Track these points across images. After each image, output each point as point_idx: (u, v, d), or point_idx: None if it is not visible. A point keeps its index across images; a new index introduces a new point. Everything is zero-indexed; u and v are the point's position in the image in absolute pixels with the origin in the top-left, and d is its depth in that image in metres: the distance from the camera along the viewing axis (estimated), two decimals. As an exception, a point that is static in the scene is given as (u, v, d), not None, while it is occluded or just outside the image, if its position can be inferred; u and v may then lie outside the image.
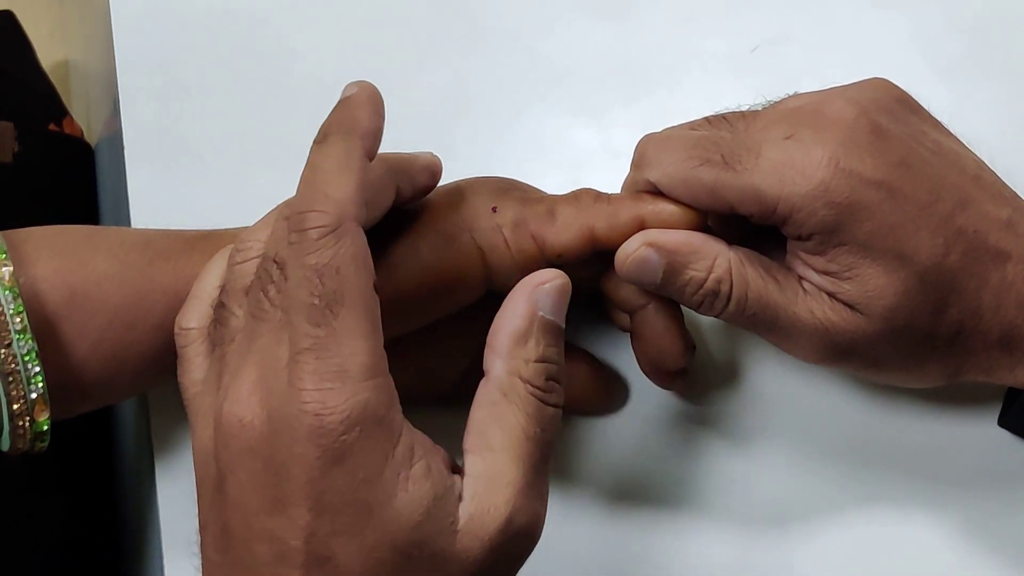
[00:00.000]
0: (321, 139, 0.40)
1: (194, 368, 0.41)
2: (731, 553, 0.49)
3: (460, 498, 0.38)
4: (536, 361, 0.40)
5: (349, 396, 0.36)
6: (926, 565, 0.49)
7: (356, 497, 0.36)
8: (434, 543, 0.37)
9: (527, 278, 0.41)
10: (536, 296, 0.40)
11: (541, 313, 0.40)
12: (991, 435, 0.50)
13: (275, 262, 0.38)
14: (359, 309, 0.37)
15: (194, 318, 0.42)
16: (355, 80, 0.42)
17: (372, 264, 0.38)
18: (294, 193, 0.40)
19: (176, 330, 0.43)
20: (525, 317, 0.40)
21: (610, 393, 0.51)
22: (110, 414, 0.65)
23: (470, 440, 0.39)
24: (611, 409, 0.51)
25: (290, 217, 0.38)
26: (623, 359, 0.51)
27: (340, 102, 0.41)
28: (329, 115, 0.41)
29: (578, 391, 0.49)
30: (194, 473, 0.40)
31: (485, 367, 0.40)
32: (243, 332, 0.39)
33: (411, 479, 0.37)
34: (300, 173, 0.44)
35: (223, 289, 0.41)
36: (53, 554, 0.57)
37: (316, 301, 0.37)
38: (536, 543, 0.39)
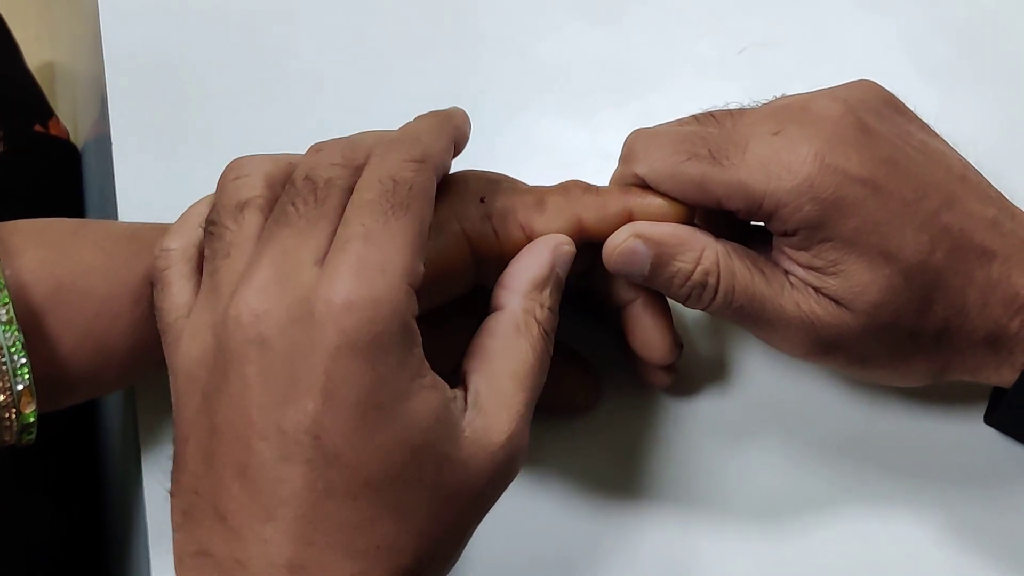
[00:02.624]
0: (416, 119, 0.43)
1: (176, 291, 0.41)
2: (717, 550, 0.49)
3: (464, 410, 0.39)
4: (549, 309, 0.42)
5: (385, 291, 0.37)
6: (913, 562, 0.49)
7: (371, 393, 0.36)
8: (443, 446, 0.38)
9: (548, 236, 0.44)
10: (557, 253, 0.43)
11: (558, 271, 0.43)
12: (977, 433, 0.50)
13: (308, 178, 0.39)
14: (416, 224, 0.38)
15: (176, 239, 0.42)
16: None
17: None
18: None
19: (156, 254, 0.42)
20: (547, 266, 0.43)
21: (598, 392, 0.51)
22: (96, 411, 0.64)
23: (474, 363, 0.41)
24: (592, 407, 0.51)
25: (377, 144, 0.40)
26: (607, 358, 0.51)
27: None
28: None
29: (569, 389, 0.50)
30: (173, 394, 0.39)
31: (497, 302, 0.43)
32: (257, 238, 0.39)
33: (423, 386, 0.37)
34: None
35: (213, 207, 0.41)
36: (41, 551, 0.57)
37: (383, 201, 0.38)
38: (517, 475, 0.41)
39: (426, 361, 0.38)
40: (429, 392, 0.38)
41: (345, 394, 0.36)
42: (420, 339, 0.38)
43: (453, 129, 0.43)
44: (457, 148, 0.44)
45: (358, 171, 0.40)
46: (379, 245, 0.37)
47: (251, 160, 0.42)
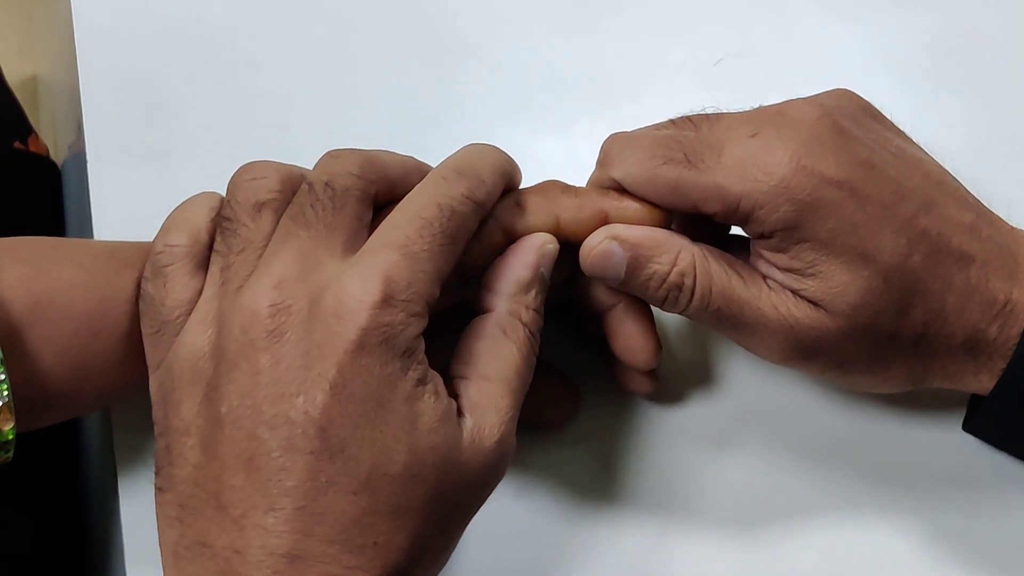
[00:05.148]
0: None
1: (180, 287, 0.42)
2: (695, 558, 0.49)
3: (460, 416, 0.40)
4: (535, 310, 0.43)
5: (410, 299, 0.38)
6: (892, 569, 0.49)
7: (379, 391, 0.37)
8: (444, 449, 0.38)
9: (532, 236, 0.44)
10: (541, 253, 0.44)
11: (542, 270, 0.44)
12: (956, 440, 0.51)
13: (328, 185, 0.41)
14: (451, 258, 0.41)
15: (183, 236, 0.42)
16: None
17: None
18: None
19: (160, 248, 0.43)
20: (531, 268, 0.44)
21: (577, 404, 0.51)
22: (74, 431, 0.64)
23: (464, 368, 0.42)
24: (571, 419, 0.51)
25: (446, 173, 0.42)
26: (587, 369, 0.51)
27: None
28: None
29: (547, 402, 0.49)
30: (162, 389, 0.40)
31: (483, 305, 0.44)
32: (274, 236, 0.40)
33: (427, 392, 0.39)
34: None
35: (227, 204, 0.42)
36: (23, 568, 0.56)
37: (434, 225, 0.40)
38: (503, 477, 0.42)
39: (432, 370, 0.39)
40: (434, 398, 0.39)
41: (354, 389, 0.37)
42: (424, 356, 0.39)
43: (509, 182, 0.45)
44: (511, 186, 0.46)
45: (373, 184, 0.41)
46: (415, 263, 0.39)
47: (265, 164, 0.43)
